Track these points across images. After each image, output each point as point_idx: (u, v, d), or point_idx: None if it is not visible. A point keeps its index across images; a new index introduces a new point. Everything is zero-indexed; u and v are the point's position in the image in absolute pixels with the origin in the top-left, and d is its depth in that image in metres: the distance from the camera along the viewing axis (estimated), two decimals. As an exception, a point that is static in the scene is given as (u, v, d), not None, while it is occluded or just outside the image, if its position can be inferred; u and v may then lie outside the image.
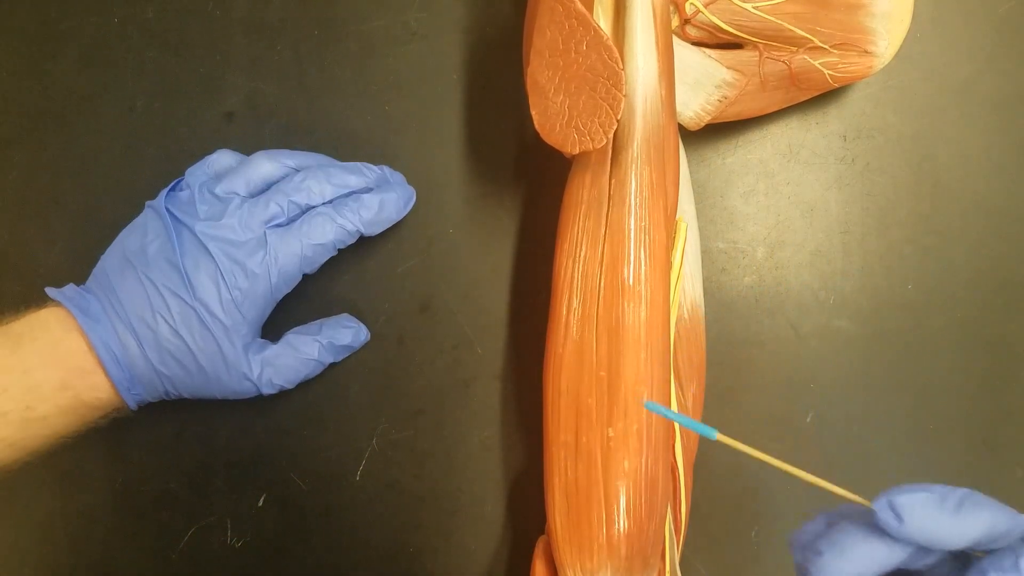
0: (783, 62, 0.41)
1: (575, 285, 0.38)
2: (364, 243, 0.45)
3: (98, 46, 0.47)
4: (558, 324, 0.39)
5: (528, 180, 0.46)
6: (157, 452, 0.45)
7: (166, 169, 0.46)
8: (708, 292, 0.45)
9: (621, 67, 0.35)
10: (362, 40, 0.46)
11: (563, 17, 0.36)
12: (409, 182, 0.45)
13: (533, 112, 0.37)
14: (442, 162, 0.46)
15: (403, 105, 0.46)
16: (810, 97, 0.44)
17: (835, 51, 0.41)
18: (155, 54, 0.47)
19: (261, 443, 0.45)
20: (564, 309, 0.39)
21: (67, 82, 0.47)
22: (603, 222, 0.38)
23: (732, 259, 0.46)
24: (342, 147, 0.46)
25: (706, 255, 0.46)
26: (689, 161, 0.46)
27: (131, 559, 0.45)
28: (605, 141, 0.36)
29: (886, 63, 0.42)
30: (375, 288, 0.45)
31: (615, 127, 0.35)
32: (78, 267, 0.45)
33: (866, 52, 0.41)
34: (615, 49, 0.35)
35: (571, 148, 0.36)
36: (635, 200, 0.38)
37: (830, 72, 0.42)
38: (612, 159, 0.38)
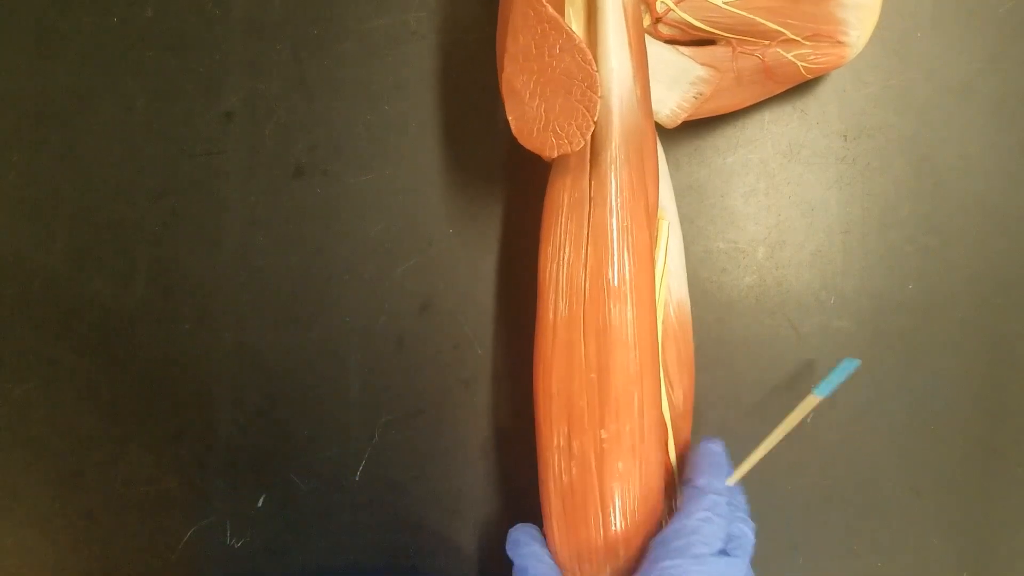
0: (756, 56, 0.41)
1: (560, 288, 0.38)
2: (364, 243, 0.45)
3: (98, 46, 0.47)
4: (545, 327, 0.39)
5: (528, 180, 0.46)
6: (157, 452, 0.45)
7: (166, 169, 0.46)
8: (708, 292, 0.45)
9: (595, 69, 0.35)
10: (362, 40, 0.46)
11: (535, 22, 0.36)
12: (409, 182, 0.45)
13: (510, 117, 0.37)
14: (442, 162, 0.46)
15: (403, 105, 0.46)
16: (785, 89, 0.44)
17: (807, 43, 0.41)
18: (155, 54, 0.47)
19: (261, 443, 0.45)
20: (550, 312, 0.39)
21: (67, 82, 0.47)
22: (585, 224, 0.38)
23: (732, 259, 0.46)
24: (342, 147, 0.46)
25: (706, 255, 0.46)
26: (690, 161, 0.46)
27: (131, 559, 0.45)
28: (583, 143, 0.36)
29: (858, 52, 0.42)
30: (375, 288, 0.45)
31: (592, 129, 0.35)
32: (78, 267, 0.46)
33: (838, 42, 0.41)
34: (588, 52, 0.35)
35: (549, 152, 0.36)
36: (616, 201, 0.38)
37: (803, 64, 0.42)
38: (591, 161, 0.38)
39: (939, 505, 0.46)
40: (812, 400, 0.38)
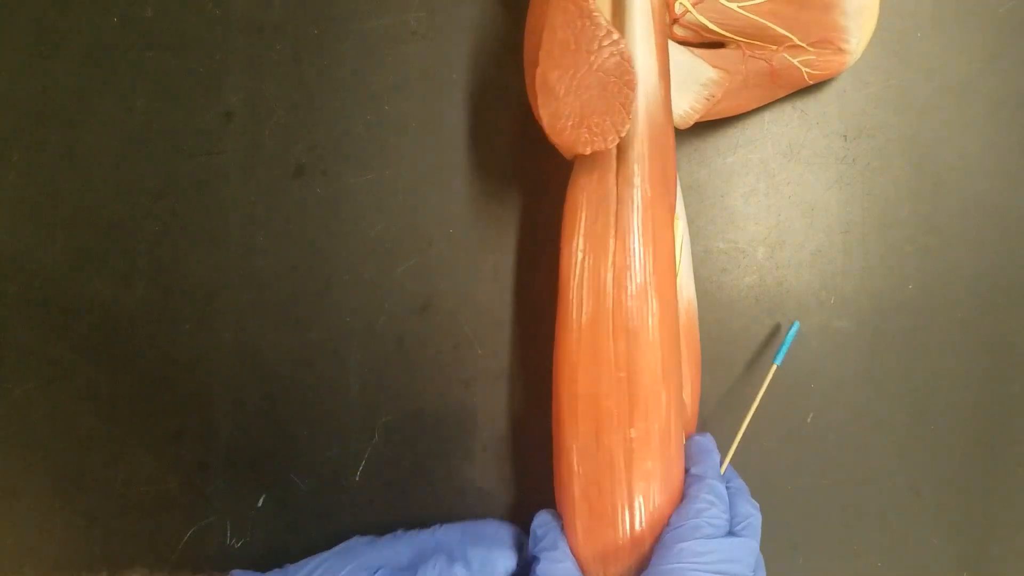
0: (765, 60, 0.42)
1: (584, 286, 0.38)
2: (364, 243, 0.45)
3: (98, 46, 0.47)
4: (568, 326, 0.39)
5: (528, 180, 0.46)
6: (157, 452, 0.45)
7: (166, 169, 0.46)
8: (708, 292, 0.45)
9: (633, 67, 0.35)
10: (362, 40, 0.46)
11: (576, 16, 0.35)
12: (409, 182, 0.45)
13: (542, 113, 0.36)
14: (442, 162, 0.46)
15: (403, 105, 0.46)
16: (786, 94, 0.44)
17: (812, 49, 0.42)
18: (155, 54, 0.47)
19: (261, 443, 0.45)
20: (573, 311, 0.38)
21: (67, 82, 0.47)
22: (611, 222, 0.38)
23: (732, 259, 0.46)
24: (342, 147, 0.46)
25: (706, 255, 0.46)
26: (689, 161, 0.46)
27: (131, 559, 0.45)
28: (617, 141, 0.36)
29: (856, 59, 0.43)
30: (375, 288, 0.45)
31: (628, 127, 0.35)
32: (78, 267, 0.46)
33: (840, 49, 0.42)
34: (628, 49, 0.35)
35: (582, 149, 0.36)
36: (642, 199, 0.38)
37: (807, 70, 0.42)
38: (617, 158, 0.38)
39: (939, 505, 0.46)
40: (772, 369, 0.41)
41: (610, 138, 0.35)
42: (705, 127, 0.46)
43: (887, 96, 0.46)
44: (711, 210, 0.46)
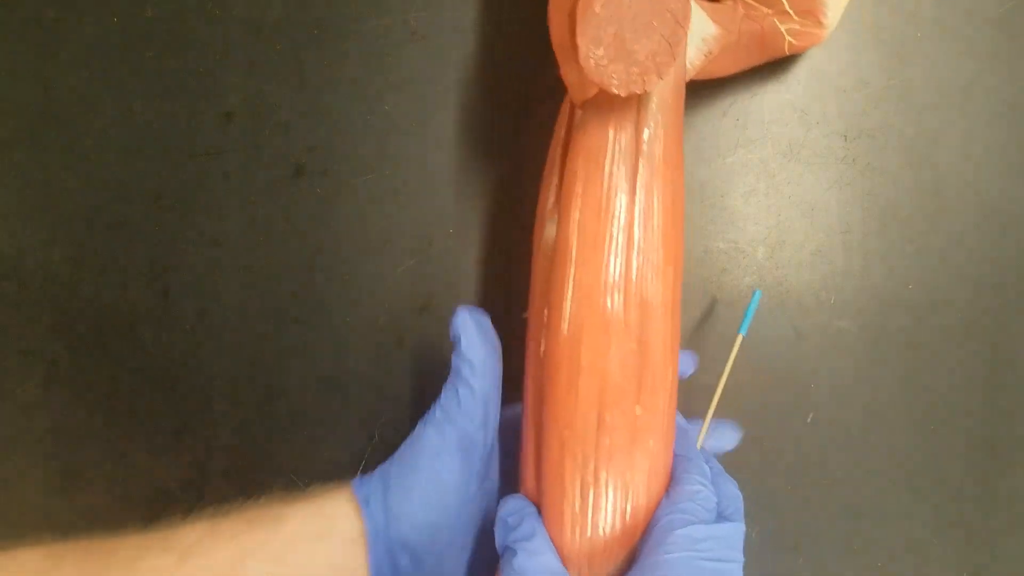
0: (757, 23, 0.40)
1: (593, 247, 0.34)
2: (364, 243, 0.45)
3: (98, 46, 0.47)
4: (563, 293, 0.34)
5: (528, 179, 0.46)
6: (157, 452, 0.45)
7: (166, 169, 0.46)
8: (708, 292, 0.45)
9: (691, 4, 0.31)
10: (362, 40, 0.46)
11: None
12: (410, 182, 0.45)
13: (579, 41, 0.32)
14: (442, 162, 0.46)
15: (403, 105, 0.46)
16: (762, 62, 0.43)
17: (797, 18, 0.40)
18: (155, 54, 0.47)
19: (261, 443, 0.45)
20: (574, 275, 0.34)
21: (67, 82, 0.47)
22: (628, 176, 0.34)
23: (732, 259, 0.46)
24: (342, 147, 0.46)
25: (706, 255, 0.46)
26: (689, 161, 0.46)
27: (131, 559, 0.45)
28: (657, 84, 0.32)
29: (829, 34, 0.41)
30: (375, 288, 0.45)
31: (673, 68, 0.32)
32: (78, 267, 0.46)
33: (819, 23, 0.40)
34: None
35: (617, 89, 0.32)
36: (664, 152, 0.34)
37: (789, 39, 0.40)
38: (639, 107, 0.34)
39: (939, 505, 0.46)
40: (738, 340, 0.40)
41: (650, 80, 0.32)
42: (705, 127, 0.46)
43: (887, 96, 0.46)
44: (711, 210, 0.46)
